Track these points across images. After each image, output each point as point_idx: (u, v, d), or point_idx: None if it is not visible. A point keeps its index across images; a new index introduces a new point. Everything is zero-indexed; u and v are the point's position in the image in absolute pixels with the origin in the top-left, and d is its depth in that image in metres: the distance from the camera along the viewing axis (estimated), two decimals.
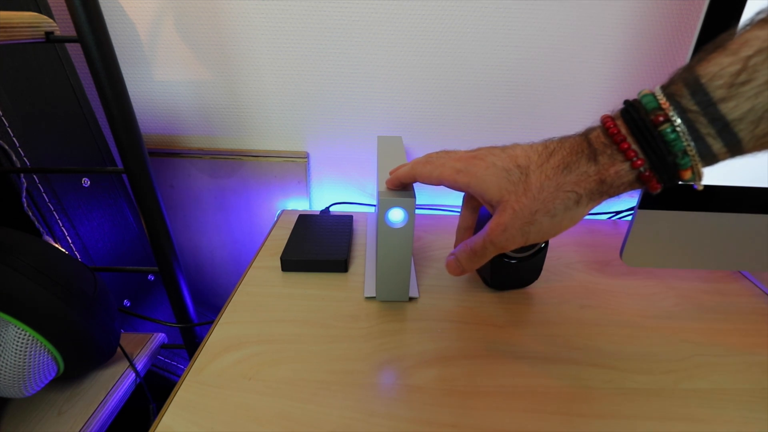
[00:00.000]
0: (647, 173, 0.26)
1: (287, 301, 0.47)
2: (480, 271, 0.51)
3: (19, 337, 0.38)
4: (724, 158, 0.25)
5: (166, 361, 0.70)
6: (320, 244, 0.54)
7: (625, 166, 0.26)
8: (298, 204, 0.72)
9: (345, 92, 0.64)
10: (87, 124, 0.60)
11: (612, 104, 0.64)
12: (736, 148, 0.24)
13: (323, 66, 0.62)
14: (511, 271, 0.47)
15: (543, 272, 0.49)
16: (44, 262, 0.40)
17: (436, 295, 0.48)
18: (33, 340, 0.39)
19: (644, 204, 0.43)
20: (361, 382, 0.37)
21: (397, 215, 0.40)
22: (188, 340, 0.65)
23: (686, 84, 0.24)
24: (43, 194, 0.53)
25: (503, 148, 0.31)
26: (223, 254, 0.79)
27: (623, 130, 0.26)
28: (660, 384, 0.38)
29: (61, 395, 0.45)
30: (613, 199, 0.28)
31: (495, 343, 0.42)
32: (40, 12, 0.47)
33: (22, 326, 0.38)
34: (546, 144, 0.29)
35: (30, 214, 0.52)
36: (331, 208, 0.67)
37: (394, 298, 0.47)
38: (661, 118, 0.24)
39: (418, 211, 0.72)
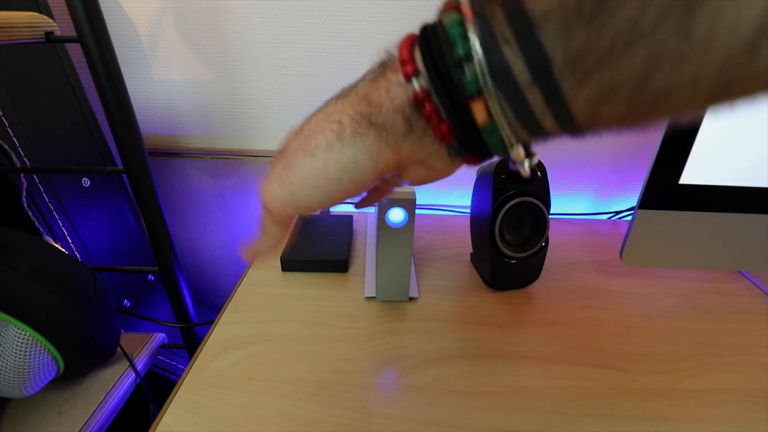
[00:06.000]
0: (422, 93, 0.18)
1: (287, 301, 0.47)
2: (480, 271, 0.51)
3: (19, 337, 0.38)
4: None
5: (166, 361, 0.70)
6: (320, 244, 0.54)
7: (396, 78, 0.19)
8: None
9: None
10: (87, 124, 0.60)
11: None
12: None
13: (323, 66, 0.62)
14: (511, 271, 0.47)
15: (543, 272, 0.49)
16: (44, 262, 0.40)
17: (436, 295, 0.48)
18: (33, 340, 0.39)
19: (644, 204, 0.43)
20: (361, 382, 0.37)
21: (397, 215, 0.40)
22: (188, 340, 0.65)
23: None
24: (43, 194, 0.53)
25: None
26: (223, 254, 0.79)
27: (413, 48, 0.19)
28: (660, 384, 0.38)
29: (61, 395, 0.45)
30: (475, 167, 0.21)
31: (495, 343, 0.42)
32: (40, 12, 0.47)
33: (22, 326, 0.38)
34: None
35: (30, 214, 0.52)
36: (331, 208, 0.67)
37: (394, 298, 0.47)
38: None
39: (418, 211, 0.72)
